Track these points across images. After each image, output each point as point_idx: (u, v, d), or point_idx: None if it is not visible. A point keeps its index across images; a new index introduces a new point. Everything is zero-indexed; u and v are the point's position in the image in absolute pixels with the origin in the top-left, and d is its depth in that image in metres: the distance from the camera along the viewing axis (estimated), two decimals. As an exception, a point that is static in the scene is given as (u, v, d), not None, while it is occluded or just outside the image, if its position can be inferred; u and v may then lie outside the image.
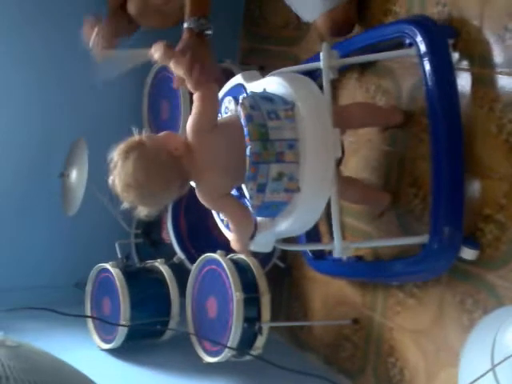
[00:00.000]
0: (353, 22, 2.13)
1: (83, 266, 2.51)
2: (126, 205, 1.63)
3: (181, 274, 2.41)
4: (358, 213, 2.21)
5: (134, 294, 2.33)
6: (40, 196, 2.65)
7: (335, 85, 2.09)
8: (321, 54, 1.83)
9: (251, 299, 2.15)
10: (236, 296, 2.12)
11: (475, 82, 1.81)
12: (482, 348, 1.58)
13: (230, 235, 1.82)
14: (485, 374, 1.49)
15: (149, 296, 2.40)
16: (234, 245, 1.78)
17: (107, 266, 2.39)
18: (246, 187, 1.65)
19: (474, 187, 1.82)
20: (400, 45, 1.91)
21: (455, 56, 1.83)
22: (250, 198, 1.64)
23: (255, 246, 1.78)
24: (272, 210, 1.69)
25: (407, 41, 1.84)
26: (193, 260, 2.38)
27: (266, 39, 2.69)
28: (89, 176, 2.35)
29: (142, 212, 1.65)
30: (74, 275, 2.64)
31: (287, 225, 1.70)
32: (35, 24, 2.54)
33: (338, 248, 1.76)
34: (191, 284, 2.34)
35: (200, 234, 2.51)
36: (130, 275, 2.38)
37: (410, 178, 2.02)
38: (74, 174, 2.47)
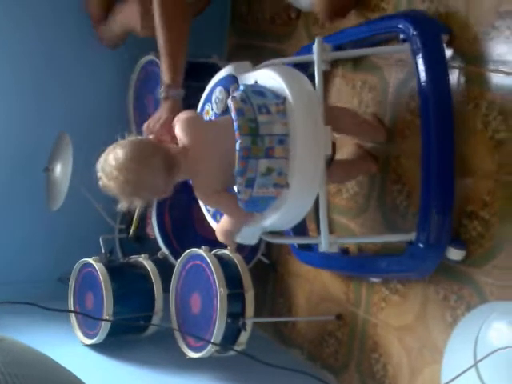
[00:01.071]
0: (349, 4, 2.11)
1: (67, 261, 2.50)
2: (111, 196, 1.63)
3: (165, 269, 2.40)
4: (343, 209, 2.22)
5: (118, 289, 2.32)
6: (24, 190, 2.63)
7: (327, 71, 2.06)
8: (314, 48, 1.80)
9: (235, 295, 2.15)
10: (220, 292, 2.11)
11: (461, 78, 1.82)
12: (465, 344, 1.59)
13: (215, 226, 1.82)
14: (467, 369, 1.50)
15: (132, 291, 2.39)
16: (219, 236, 1.78)
17: (91, 260, 2.38)
18: (235, 182, 1.64)
19: (458, 184, 1.82)
20: (391, 39, 1.90)
21: (449, 51, 1.82)
22: (238, 192, 1.64)
23: (241, 238, 1.78)
24: (260, 205, 1.69)
25: (401, 36, 1.83)
26: (177, 255, 2.37)
27: (253, 35, 2.69)
28: (73, 171, 2.33)
29: (125, 204, 1.64)
30: (58, 270, 2.63)
31: (275, 219, 1.69)
32: (23, 19, 2.52)
33: (325, 243, 1.76)
34: (175, 279, 2.34)
35: (185, 230, 2.50)
36: (114, 270, 2.37)
37: (394, 175, 2.03)
38: (58, 169, 2.45)
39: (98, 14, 2.48)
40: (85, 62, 2.65)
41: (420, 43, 1.77)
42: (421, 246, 1.79)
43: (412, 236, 1.81)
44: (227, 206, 1.71)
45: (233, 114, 1.63)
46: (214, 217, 1.86)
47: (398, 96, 2.02)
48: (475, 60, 1.78)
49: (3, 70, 2.53)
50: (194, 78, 2.32)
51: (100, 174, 1.61)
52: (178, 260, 2.33)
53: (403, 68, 1.99)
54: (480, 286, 1.77)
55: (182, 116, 1.73)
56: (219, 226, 1.78)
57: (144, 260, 2.44)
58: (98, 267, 2.34)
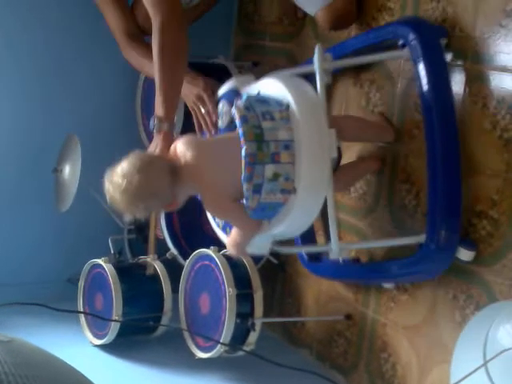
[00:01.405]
0: (353, 15, 2.14)
1: (76, 262, 2.50)
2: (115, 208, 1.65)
3: (174, 269, 2.40)
4: (351, 209, 2.22)
5: (127, 289, 2.32)
6: (33, 191, 2.64)
7: (329, 84, 2.08)
8: (314, 57, 1.83)
9: (244, 295, 2.15)
10: (229, 292, 2.11)
11: (469, 78, 1.82)
12: (474, 344, 1.59)
13: (225, 239, 1.83)
14: (477, 369, 1.49)
15: (141, 292, 2.39)
16: (230, 249, 1.79)
17: (100, 261, 2.39)
18: (242, 188, 1.65)
19: (467, 183, 1.82)
20: (394, 46, 1.91)
21: (449, 55, 1.83)
22: (246, 199, 1.64)
23: (252, 249, 1.79)
24: (268, 212, 1.69)
25: (400, 42, 1.85)
26: (186, 256, 2.38)
27: (260, 35, 2.69)
28: (82, 172, 2.34)
29: (132, 215, 1.65)
30: (67, 271, 2.64)
31: (283, 227, 1.70)
32: (36, 19, 2.53)
33: (335, 250, 1.76)
34: (184, 280, 2.34)
35: (193, 230, 2.50)
36: (123, 271, 2.37)
37: (403, 175, 2.02)
38: (66, 170, 2.46)
39: (126, 41, 2.43)
40: (93, 64, 2.66)
41: (419, 48, 1.78)
42: (431, 248, 1.79)
43: (422, 238, 1.81)
44: (236, 217, 1.71)
45: (237, 122, 1.64)
46: (223, 230, 1.88)
47: (406, 95, 2.01)
48: (483, 59, 1.78)
49: (12, 73, 2.54)
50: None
51: (107, 186, 1.62)
52: (187, 260, 2.33)
53: (410, 68, 1.98)
54: (489, 285, 1.76)
55: (182, 138, 1.74)
56: (230, 239, 1.78)
57: (153, 260, 2.44)
58: (108, 268, 2.35)
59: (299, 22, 2.46)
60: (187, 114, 2.22)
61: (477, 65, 1.80)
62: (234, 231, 1.76)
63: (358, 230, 2.19)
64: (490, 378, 1.47)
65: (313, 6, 2.16)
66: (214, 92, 2.03)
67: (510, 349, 1.49)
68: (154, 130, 1.91)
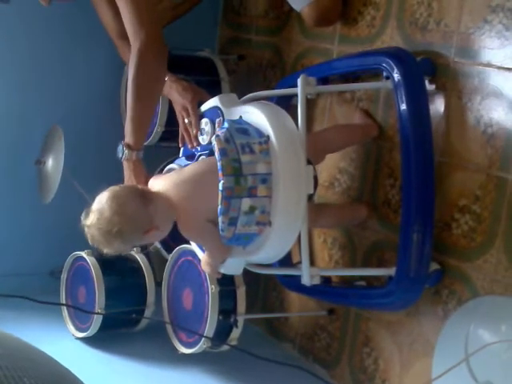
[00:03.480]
0: (338, 12, 2.16)
1: (58, 255, 2.48)
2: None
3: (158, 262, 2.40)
4: (335, 203, 2.22)
5: (110, 282, 2.31)
6: (16, 183, 2.62)
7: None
8: (298, 83, 1.83)
9: (227, 291, 2.15)
10: (211, 289, 2.11)
11: (454, 73, 1.82)
12: (456, 339, 1.60)
13: (201, 255, 1.87)
14: (459, 363, 1.51)
15: (124, 285, 2.39)
16: (204, 267, 1.83)
17: (83, 254, 2.37)
18: (218, 220, 1.67)
19: (450, 178, 1.83)
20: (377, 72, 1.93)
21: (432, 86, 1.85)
22: (222, 230, 1.67)
23: (225, 269, 1.83)
24: (243, 241, 1.73)
25: (384, 73, 1.86)
26: (169, 250, 2.37)
27: (245, 28, 2.68)
28: (65, 164, 2.32)
29: (115, 248, 1.69)
30: (49, 263, 2.62)
31: (258, 256, 1.74)
32: (16, 9, 2.50)
33: (306, 277, 1.78)
34: (167, 275, 2.33)
35: (176, 224, 2.49)
36: (106, 264, 2.36)
37: (387, 169, 2.03)
38: (49, 162, 2.44)
39: (119, 42, 2.40)
40: (79, 56, 2.64)
41: (402, 83, 1.79)
42: (400, 281, 1.82)
43: (392, 271, 1.83)
44: (208, 242, 1.76)
45: (216, 154, 1.66)
46: (200, 246, 1.91)
47: (391, 92, 2.01)
48: (467, 54, 1.79)
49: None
50: (185, 72, 2.32)
51: (86, 231, 1.70)
52: (170, 255, 2.33)
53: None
54: (471, 280, 1.77)
55: (155, 177, 1.80)
56: (203, 258, 1.82)
57: (136, 253, 2.44)
58: (90, 260, 2.34)
59: (285, 16, 2.46)
60: (171, 107, 2.22)
61: (462, 60, 1.80)
62: (207, 253, 1.79)
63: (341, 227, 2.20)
64: (472, 373, 1.48)
65: (299, 1, 2.16)
66: (202, 102, 2.05)
67: (491, 343, 1.50)
68: (123, 158, 1.92)
